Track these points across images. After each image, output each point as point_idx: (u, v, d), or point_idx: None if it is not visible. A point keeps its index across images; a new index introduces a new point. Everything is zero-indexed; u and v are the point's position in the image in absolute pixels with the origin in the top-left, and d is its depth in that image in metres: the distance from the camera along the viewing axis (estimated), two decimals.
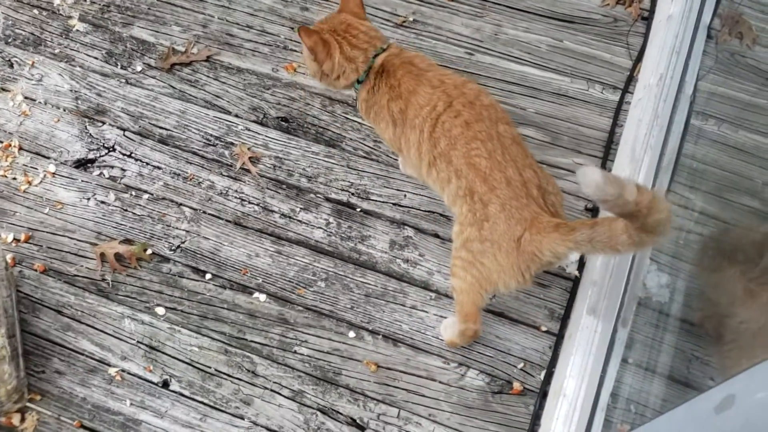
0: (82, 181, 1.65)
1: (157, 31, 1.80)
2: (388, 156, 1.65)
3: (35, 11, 1.84)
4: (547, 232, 1.19)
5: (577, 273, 1.50)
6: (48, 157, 1.67)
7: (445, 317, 1.48)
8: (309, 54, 1.38)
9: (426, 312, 1.49)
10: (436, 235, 1.57)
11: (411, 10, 1.81)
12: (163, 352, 1.47)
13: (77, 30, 1.81)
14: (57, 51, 1.79)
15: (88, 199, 1.63)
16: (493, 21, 1.78)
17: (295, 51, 1.77)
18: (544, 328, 1.47)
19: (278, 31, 1.80)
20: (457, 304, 1.36)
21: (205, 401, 1.43)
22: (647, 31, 1.72)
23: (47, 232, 1.59)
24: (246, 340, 1.48)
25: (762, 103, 1.52)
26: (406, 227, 1.58)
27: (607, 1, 1.77)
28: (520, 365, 1.44)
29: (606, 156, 1.62)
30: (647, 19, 1.74)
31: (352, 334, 1.48)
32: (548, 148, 1.65)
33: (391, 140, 1.39)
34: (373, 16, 1.79)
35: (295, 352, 1.46)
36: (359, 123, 1.69)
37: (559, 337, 1.46)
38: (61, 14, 1.83)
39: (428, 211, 1.59)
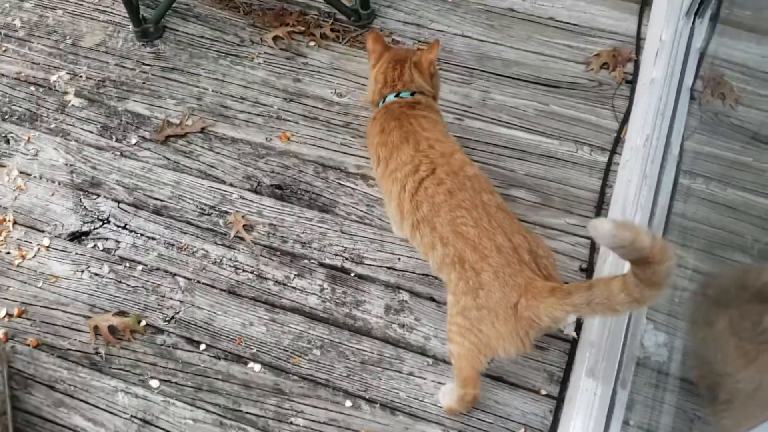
0: (76, 254, 1.65)
1: (152, 105, 1.84)
2: (381, 220, 1.66)
3: (32, 88, 1.88)
4: (544, 297, 1.19)
5: (574, 334, 1.50)
6: (42, 231, 1.68)
7: (443, 383, 1.46)
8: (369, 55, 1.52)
9: (423, 378, 1.48)
10: (432, 299, 1.56)
11: None
12: (158, 426, 1.44)
13: (73, 105, 1.85)
14: (53, 126, 1.82)
15: (82, 271, 1.62)
16: (481, 87, 1.82)
17: (288, 120, 1.80)
18: (543, 392, 1.45)
19: (271, 102, 1.83)
20: (455, 369, 1.35)
21: None
22: (632, 94, 1.76)
23: (41, 306, 1.58)
24: (241, 411, 1.45)
25: (748, 160, 1.54)
26: (401, 291, 1.58)
27: (591, 66, 1.82)
28: (521, 431, 1.42)
29: (598, 216, 1.63)
30: (631, 82, 1.79)
31: (348, 403, 1.46)
32: (540, 209, 1.66)
33: (378, 179, 1.45)
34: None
35: (291, 423, 1.44)
36: (352, 188, 1.70)
37: (559, 401, 1.44)
38: (57, 90, 1.87)
39: (423, 274, 1.59)
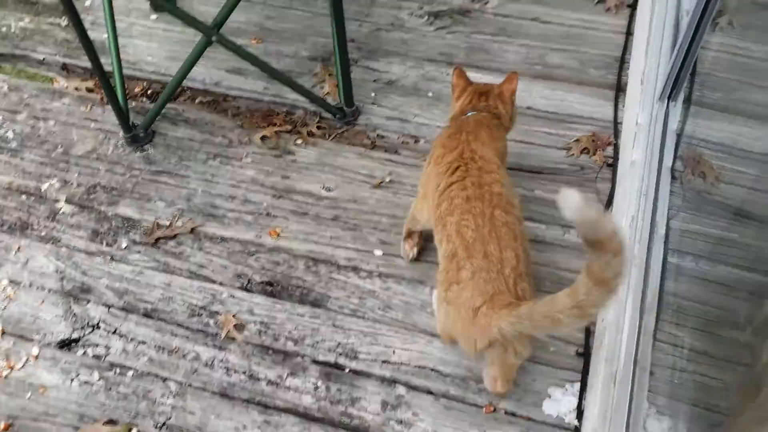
0: (66, 362, 1.62)
1: (142, 208, 1.86)
2: (373, 312, 1.65)
3: (23, 197, 1.90)
4: (499, 309, 1.26)
5: (576, 423, 1.46)
6: (31, 340, 1.66)
7: None
8: (452, 90, 1.67)
9: None
10: (430, 392, 1.53)
11: (387, 172, 1.88)
12: None
13: (63, 212, 1.86)
14: (43, 233, 1.83)
15: (72, 380, 1.59)
16: None
17: (278, 217, 1.82)
18: None
19: (261, 200, 1.85)
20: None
21: None
22: (613, 177, 1.79)
23: (28, 419, 1.54)
24: None
25: (734, 236, 1.56)
26: (397, 385, 1.55)
27: (572, 151, 1.86)
28: None
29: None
30: (612, 165, 1.82)
31: None
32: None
33: (423, 174, 1.60)
34: (353, 180, 1.87)
35: None
36: (343, 281, 1.70)
37: None
38: (48, 198, 1.89)
39: (419, 367, 1.57)
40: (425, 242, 1.70)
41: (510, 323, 1.23)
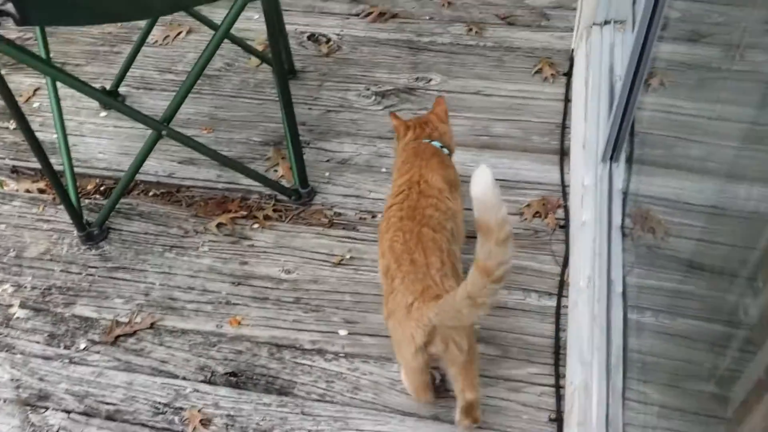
0: None
1: (100, 306, 1.82)
2: (342, 395, 1.62)
3: None
4: (428, 301, 1.36)
5: None
6: None
7: None
8: (395, 132, 1.78)
9: None
10: None
11: (347, 249, 1.89)
12: None
13: (18, 317, 1.81)
14: None
15: None
16: None
17: (238, 304, 1.80)
18: None
19: (219, 288, 1.84)
20: (405, 382, 1.58)
21: None
22: (567, 239, 1.83)
23: None
24: None
25: (690, 288, 1.59)
26: None
27: (524, 216, 1.90)
28: None
29: (557, 362, 1.63)
30: (564, 227, 1.86)
31: None
32: (501, 362, 1.65)
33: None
34: (312, 260, 1.87)
35: None
36: (309, 365, 1.68)
37: None
38: (1, 304, 1.84)
39: None
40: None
41: (435, 314, 1.33)
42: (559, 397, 1.58)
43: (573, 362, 1.54)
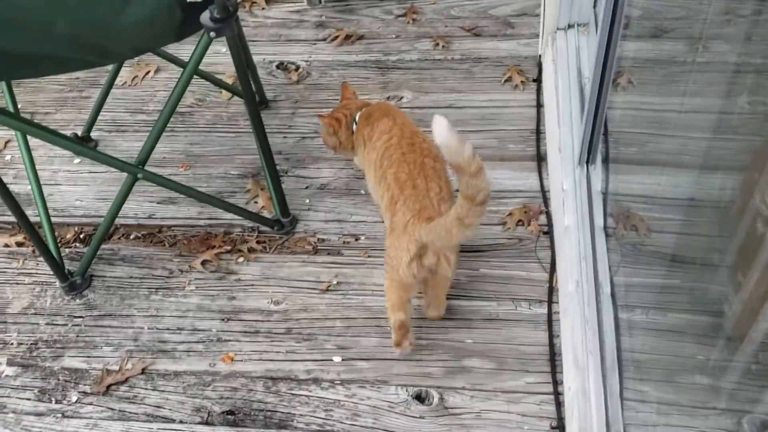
0: None
1: (89, 356, 1.79)
2: (342, 423, 1.61)
3: None
4: (421, 222, 1.53)
5: None
6: None
7: None
8: (327, 131, 1.88)
9: None
10: None
11: (333, 274, 1.88)
12: None
13: (6, 375, 1.78)
14: None
15: None
16: None
17: (229, 340, 1.78)
18: None
19: (209, 326, 1.82)
20: (385, 292, 1.67)
21: None
22: (552, 244, 1.84)
23: None
24: None
25: (676, 282, 1.60)
26: None
27: (507, 225, 1.90)
28: None
29: (554, 369, 1.63)
30: (548, 233, 1.87)
31: None
32: (497, 374, 1.65)
33: (362, 161, 1.84)
34: (300, 288, 1.86)
35: None
36: (306, 396, 1.66)
37: None
38: None
39: None
40: None
41: (426, 232, 1.49)
42: (559, 404, 1.58)
43: (569, 367, 1.54)
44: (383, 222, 1.76)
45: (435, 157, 1.68)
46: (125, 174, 1.81)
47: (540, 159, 2.02)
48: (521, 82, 2.22)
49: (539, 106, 2.15)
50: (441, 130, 1.29)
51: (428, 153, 1.68)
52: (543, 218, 1.90)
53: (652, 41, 1.84)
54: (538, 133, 2.09)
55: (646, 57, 1.86)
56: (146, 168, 1.79)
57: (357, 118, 1.87)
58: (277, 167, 1.94)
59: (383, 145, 1.73)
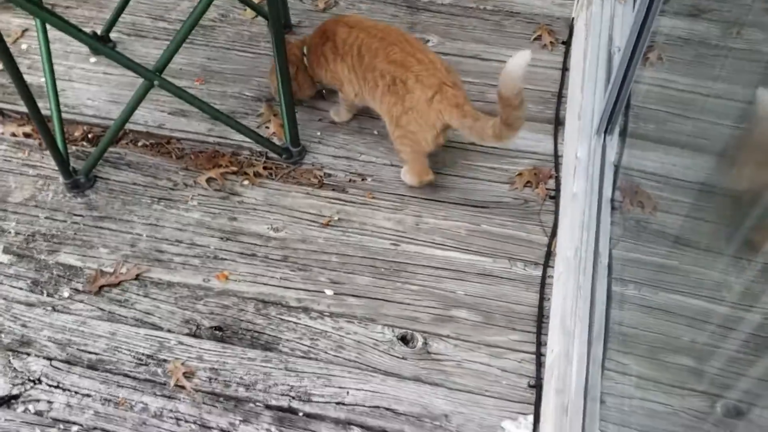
0: (6, 420, 1.55)
1: (85, 255, 1.81)
2: (326, 353, 1.64)
3: None
4: (450, 106, 1.67)
5: None
6: None
7: None
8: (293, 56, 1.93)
9: None
10: (384, 431, 1.53)
11: (335, 210, 1.88)
12: None
13: (1, 262, 1.80)
14: None
15: None
16: (413, 213, 1.87)
17: (226, 259, 1.80)
18: None
19: (208, 243, 1.83)
20: (409, 165, 1.84)
21: None
22: (556, 209, 1.84)
23: None
24: None
25: (675, 264, 1.61)
26: (352, 427, 1.53)
27: (515, 185, 1.90)
28: None
29: (539, 330, 1.65)
30: (554, 198, 1.87)
31: None
32: (483, 328, 1.67)
33: (332, 77, 1.89)
34: (301, 219, 1.86)
35: None
36: (294, 323, 1.69)
37: None
38: None
39: (373, 407, 1.56)
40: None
41: (458, 122, 1.67)
42: (540, 365, 1.61)
43: (555, 331, 1.56)
44: (385, 124, 1.84)
45: (409, 34, 1.81)
46: (140, 79, 1.79)
47: (558, 123, 2.01)
48: (550, 42, 2.18)
49: (564, 69, 2.12)
50: (521, 62, 1.43)
51: (404, 33, 1.79)
52: (551, 183, 1.90)
53: (689, 19, 1.80)
54: (560, 96, 2.06)
55: (679, 35, 1.83)
56: (163, 76, 1.77)
57: (305, 50, 1.92)
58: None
59: (353, 47, 1.79)
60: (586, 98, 1.85)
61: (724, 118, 1.51)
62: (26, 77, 1.71)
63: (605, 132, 1.76)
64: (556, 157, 1.95)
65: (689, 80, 1.71)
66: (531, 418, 1.53)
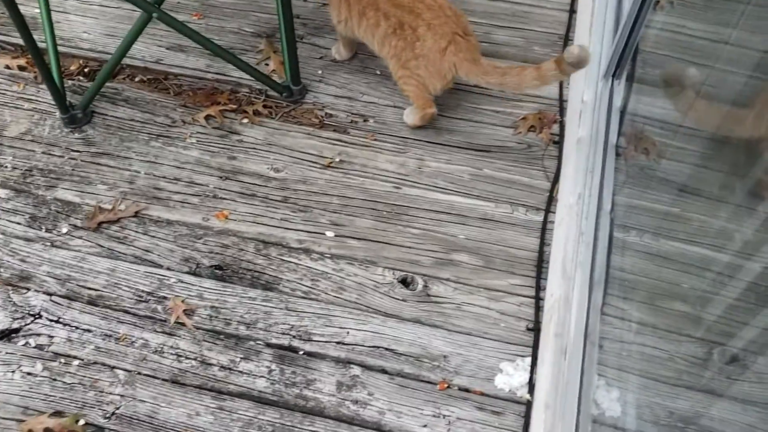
0: (6, 353, 1.56)
1: (83, 192, 1.79)
2: (326, 294, 1.64)
3: None
4: (467, 62, 1.67)
5: (528, 397, 1.49)
6: None
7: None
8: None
9: None
10: (384, 371, 1.54)
11: (337, 152, 1.86)
12: None
13: None
14: None
15: (13, 372, 1.53)
16: (416, 156, 1.85)
17: (225, 199, 1.78)
18: None
19: (207, 181, 1.81)
20: (413, 101, 1.83)
21: None
22: (560, 154, 1.82)
23: None
24: None
25: (677, 211, 1.60)
26: (352, 366, 1.55)
27: (519, 129, 1.88)
28: None
29: (539, 275, 1.66)
30: (558, 143, 1.85)
31: None
32: (483, 272, 1.67)
33: (337, 6, 1.83)
34: (301, 160, 1.84)
35: None
36: (295, 263, 1.68)
37: None
38: None
39: (373, 347, 1.57)
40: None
41: (475, 76, 1.68)
42: (538, 309, 1.62)
43: (555, 276, 1.57)
44: (387, 64, 1.83)
45: None
46: (136, 13, 1.73)
47: None
48: None
49: (572, 12, 2.07)
50: (586, 54, 1.54)
51: None
52: (556, 128, 1.88)
53: None
54: (567, 40, 2.02)
55: None
56: (162, 9, 1.72)
57: None
58: (294, 32, 1.87)
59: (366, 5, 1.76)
60: (594, 41, 1.82)
61: (740, 66, 1.48)
62: (20, 8, 1.65)
63: (613, 76, 1.73)
64: (561, 101, 1.92)
65: (699, 25, 1.68)
66: (529, 360, 1.55)
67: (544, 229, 1.73)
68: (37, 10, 1.89)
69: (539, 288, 1.65)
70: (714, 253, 1.37)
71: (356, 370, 1.54)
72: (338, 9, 1.82)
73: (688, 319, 1.47)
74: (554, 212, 1.74)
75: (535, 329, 1.59)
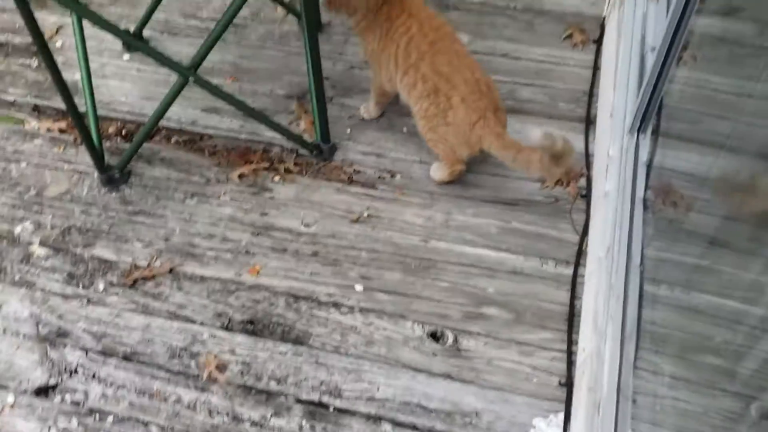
0: (43, 409, 1.58)
1: (119, 249, 1.84)
2: (356, 348, 1.65)
3: None
4: (492, 135, 1.73)
5: None
6: (6, 387, 1.62)
7: None
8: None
9: None
10: (415, 427, 1.53)
11: (365, 206, 1.90)
12: None
13: (37, 255, 1.83)
14: (17, 278, 1.79)
15: (49, 428, 1.56)
16: (443, 210, 1.88)
17: (257, 254, 1.81)
18: None
19: (239, 238, 1.85)
20: (443, 159, 1.87)
21: None
22: (588, 208, 1.83)
23: None
24: None
25: (707, 264, 1.60)
26: (382, 422, 1.54)
27: (546, 183, 1.89)
28: None
29: (570, 329, 1.65)
30: (585, 196, 1.86)
31: None
32: (514, 326, 1.67)
33: (373, 53, 1.86)
34: (331, 215, 1.88)
35: None
36: (325, 317, 1.70)
37: None
38: (21, 242, 1.86)
39: (404, 402, 1.57)
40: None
41: (498, 151, 1.73)
42: (571, 363, 1.61)
43: (587, 329, 1.56)
44: (418, 125, 1.87)
45: (459, 40, 1.83)
46: (171, 77, 1.81)
47: (588, 122, 2.00)
48: (581, 41, 2.18)
49: (596, 68, 2.11)
50: (536, 137, 1.63)
51: (454, 39, 1.80)
52: (582, 181, 1.89)
53: (723, 18, 1.79)
54: (591, 95, 2.06)
55: (713, 34, 1.82)
56: (197, 74, 1.79)
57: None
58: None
59: (402, 38, 1.77)
60: (618, 97, 1.85)
61: (759, 118, 1.50)
62: (62, 74, 1.74)
63: (638, 130, 1.75)
64: (587, 155, 1.94)
65: (723, 79, 1.70)
66: (562, 416, 1.53)
67: (575, 283, 1.73)
68: (77, 76, 1.98)
69: (571, 342, 1.64)
70: (746, 306, 1.36)
71: (387, 427, 1.54)
72: (386, 71, 1.86)
73: (722, 373, 1.44)
74: (584, 265, 1.74)
75: (568, 384, 1.58)
